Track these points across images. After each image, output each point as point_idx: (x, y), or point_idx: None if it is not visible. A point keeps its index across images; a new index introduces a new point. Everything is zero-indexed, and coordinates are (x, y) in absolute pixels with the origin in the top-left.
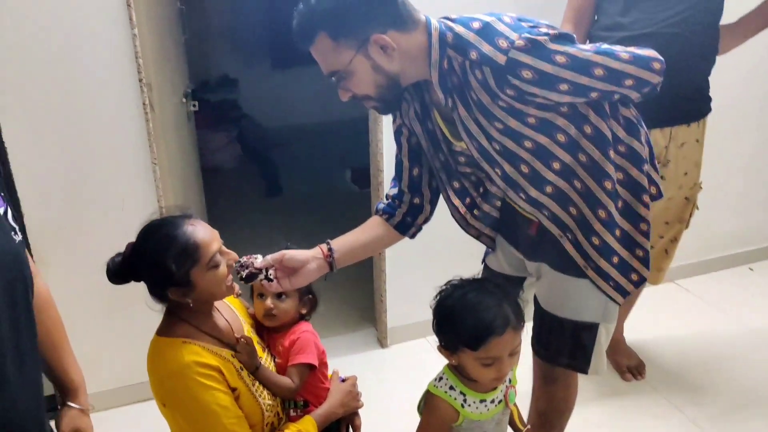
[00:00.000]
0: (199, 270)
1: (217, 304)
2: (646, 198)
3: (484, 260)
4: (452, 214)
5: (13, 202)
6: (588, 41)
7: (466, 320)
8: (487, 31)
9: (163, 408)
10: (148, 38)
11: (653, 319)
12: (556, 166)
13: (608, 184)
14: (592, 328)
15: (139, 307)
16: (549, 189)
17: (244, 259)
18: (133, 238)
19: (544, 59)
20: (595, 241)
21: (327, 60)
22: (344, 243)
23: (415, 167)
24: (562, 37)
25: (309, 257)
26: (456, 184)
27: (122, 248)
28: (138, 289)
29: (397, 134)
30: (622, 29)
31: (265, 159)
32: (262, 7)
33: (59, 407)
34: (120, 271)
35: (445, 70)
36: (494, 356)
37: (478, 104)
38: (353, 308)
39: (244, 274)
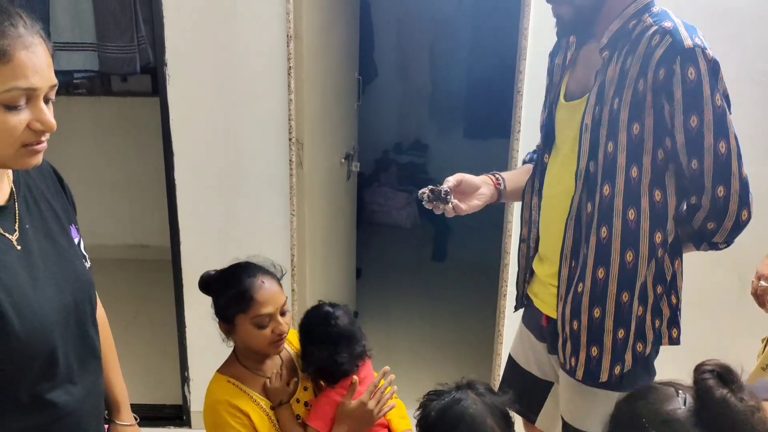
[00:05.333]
0: (244, 319)
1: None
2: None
3: (510, 354)
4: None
5: (175, 236)
6: None
7: None
8: (689, 27)
9: None
10: (305, 103)
11: None
12: (632, 173)
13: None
14: None
15: None
16: (606, 191)
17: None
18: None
19: (712, 85)
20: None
21: None
22: (510, 179)
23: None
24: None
25: (481, 182)
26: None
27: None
28: None
29: (546, 96)
30: None
31: (438, 223)
32: (462, 78)
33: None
34: (205, 282)
35: (627, 28)
36: None
37: (626, 72)
38: None
39: (425, 196)
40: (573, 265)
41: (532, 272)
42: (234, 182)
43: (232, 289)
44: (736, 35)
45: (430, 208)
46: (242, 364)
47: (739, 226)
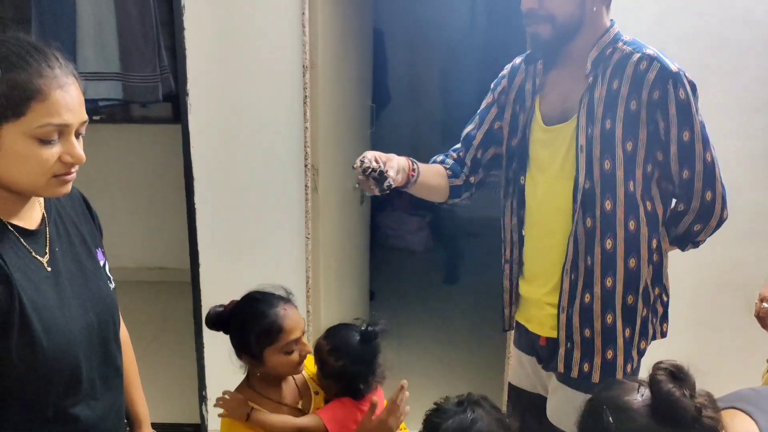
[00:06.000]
0: (273, 351)
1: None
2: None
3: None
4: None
5: (194, 259)
6: None
7: None
8: (663, 54)
9: None
10: (320, 130)
11: None
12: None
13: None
14: None
15: None
16: (608, 206)
17: (367, 161)
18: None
19: (694, 102)
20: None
21: None
22: (423, 174)
23: (481, 150)
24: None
25: (399, 169)
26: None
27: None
28: None
29: (485, 110)
30: None
31: (451, 246)
32: (474, 103)
33: None
34: (215, 320)
35: (605, 54)
36: None
37: (614, 93)
38: None
39: (370, 172)
40: (573, 277)
41: (518, 296)
42: (251, 206)
43: (257, 326)
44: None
45: (361, 179)
46: (254, 389)
47: (720, 224)
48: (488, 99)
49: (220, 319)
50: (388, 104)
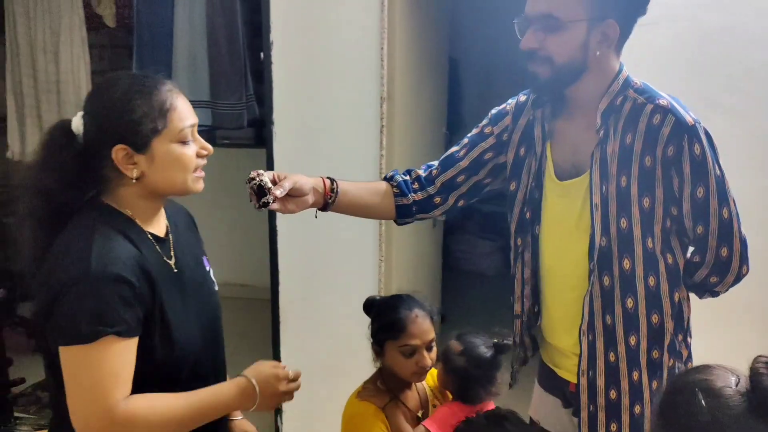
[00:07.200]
0: (393, 346)
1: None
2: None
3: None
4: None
5: (274, 278)
6: None
7: None
8: (677, 100)
9: None
10: (395, 158)
11: None
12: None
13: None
14: None
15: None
16: (626, 265)
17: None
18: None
19: (713, 156)
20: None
21: (553, 2)
22: (348, 193)
23: (462, 175)
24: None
25: (309, 189)
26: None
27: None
28: None
29: (479, 137)
30: None
31: None
32: None
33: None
34: (368, 304)
35: (615, 104)
36: None
37: (627, 148)
38: None
39: (252, 184)
40: (591, 338)
41: (536, 343)
42: (329, 229)
43: (388, 317)
44: None
45: (249, 191)
46: (385, 385)
47: (739, 279)
48: (486, 129)
49: (371, 303)
50: (461, 131)
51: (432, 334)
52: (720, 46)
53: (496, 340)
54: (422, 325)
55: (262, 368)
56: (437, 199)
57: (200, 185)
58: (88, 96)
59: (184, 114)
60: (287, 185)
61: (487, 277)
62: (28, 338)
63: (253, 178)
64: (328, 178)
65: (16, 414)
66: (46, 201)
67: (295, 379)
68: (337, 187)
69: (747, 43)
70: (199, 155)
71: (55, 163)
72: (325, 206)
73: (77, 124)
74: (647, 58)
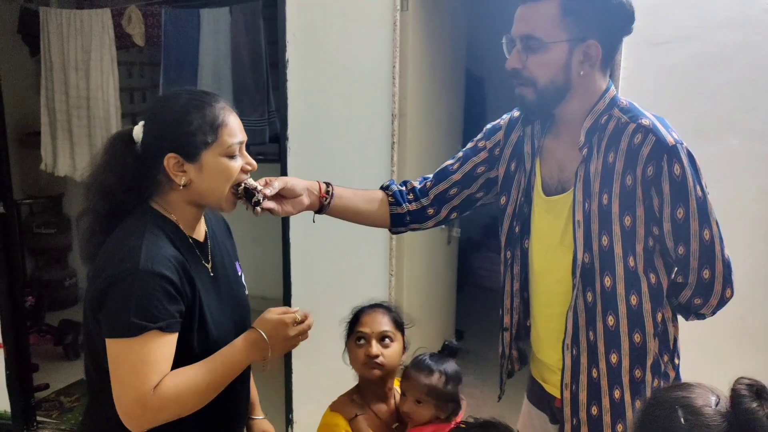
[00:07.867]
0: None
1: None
2: None
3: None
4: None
5: (287, 290)
6: None
7: None
8: (662, 120)
9: None
10: (407, 174)
11: None
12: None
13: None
14: None
15: None
16: (608, 282)
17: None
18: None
19: (694, 177)
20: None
21: (534, 23)
22: (343, 197)
23: (455, 188)
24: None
25: (303, 190)
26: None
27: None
28: None
29: (473, 151)
30: None
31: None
32: None
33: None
34: None
35: (599, 123)
36: None
37: (609, 167)
38: None
39: (240, 190)
40: (575, 352)
41: (523, 356)
42: (341, 243)
43: (352, 317)
44: None
45: (242, 203)
46: (361, 397)
47: (723, 302)
48: (480, 143)
49: None
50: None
51: (385, 327)
52: (736, 65)
53: (446, 342)
54: (375, 316)
55: (268, 317)
56: (430, 211)
57: (231, 205)
58: (150, 107)
59: (234, 130)
60: (277, 185)
61: (495, 290)
62: (55, 345)
63: (239, 185)
64: (324, 182)
65: (38, 418)
66: (107, 199)
67: (303, 321)
68: (332, 190)
69: (763, 62)
70: (243, 170)
71: (117, 166)
72: (320, 209)
73: (138, 131)
74: (661, 79)
